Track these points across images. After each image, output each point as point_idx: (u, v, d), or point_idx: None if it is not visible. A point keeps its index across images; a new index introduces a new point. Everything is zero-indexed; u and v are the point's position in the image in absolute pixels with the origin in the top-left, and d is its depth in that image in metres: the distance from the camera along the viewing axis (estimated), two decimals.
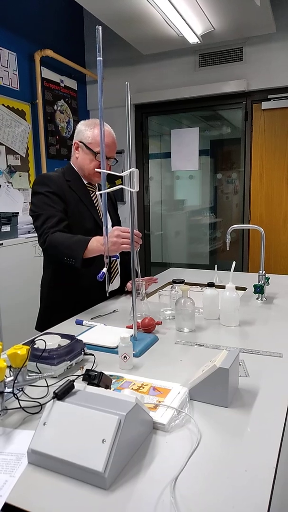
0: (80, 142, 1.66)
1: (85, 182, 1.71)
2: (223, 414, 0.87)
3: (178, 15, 2.76)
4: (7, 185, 3.18)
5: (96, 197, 1.73)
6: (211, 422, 0.84)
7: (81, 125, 1.69)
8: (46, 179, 1.62)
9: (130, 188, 1.17)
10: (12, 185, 3.22)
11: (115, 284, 1.79)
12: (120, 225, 1.86)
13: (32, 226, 3.00)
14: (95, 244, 1.43)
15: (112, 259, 1.58)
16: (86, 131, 1.65)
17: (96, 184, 1.75)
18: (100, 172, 1.63)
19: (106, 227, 1.27)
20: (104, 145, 1.20)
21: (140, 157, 4.09)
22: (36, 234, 1.63)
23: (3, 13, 3.09)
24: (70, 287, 1.65)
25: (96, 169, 1.63)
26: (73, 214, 1.62)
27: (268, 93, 3.52)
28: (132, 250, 1.27)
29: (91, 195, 1.72)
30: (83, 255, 1.43)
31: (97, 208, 1.71)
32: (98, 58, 1.08)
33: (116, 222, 1.86)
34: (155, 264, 4.38)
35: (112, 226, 1.72)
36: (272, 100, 3.51)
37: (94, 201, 1.72)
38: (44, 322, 1.60)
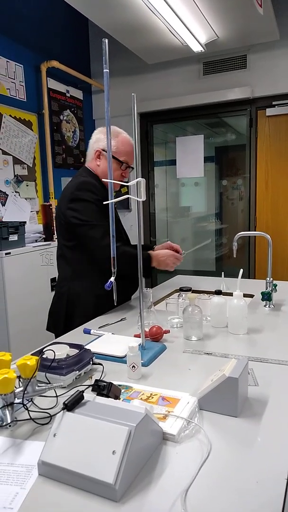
0: (104, 150, 1.67)
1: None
2: (232, 424, 0.87)
3: (182, 24, 2.79)
4: (15, 195, 3.21)
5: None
6: (221, 432, 0.83)
7: (101, 134, 1.70)
8: (91, 186, 1.63)
9: (137, 197, 1.18)
10: (19, 195, 3.25)
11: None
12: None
13: (39, 235, 3.04)
14: (154, 256, 1.71)
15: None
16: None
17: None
18: (120, 181, 1.66)
19: (114, 236, 1.27)
20: (111, 154, 1.21)
21: (145, 165, 4.12)
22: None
23: (10, 26, 3.14)
24: (101, 294, 1.56)
25: (103, 179, 1.65)
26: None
27: (273, 100, 3.53)
28: (139, 263, 1.28)
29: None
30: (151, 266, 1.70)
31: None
32: (104, 70, 1.09)
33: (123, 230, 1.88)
34: (161, 270, 4.36)
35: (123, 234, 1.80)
36: (276, 106, 3.52)
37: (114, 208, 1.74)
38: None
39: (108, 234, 1.53)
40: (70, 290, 1.69)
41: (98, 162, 1.70)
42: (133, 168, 1.70)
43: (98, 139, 1.70)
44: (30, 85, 3.36)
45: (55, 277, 2.89)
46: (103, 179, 1.67)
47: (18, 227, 2.72)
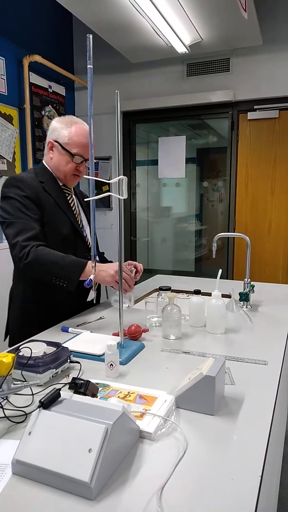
0: (55, 141, 1.54)
1: (61, 184, 1.61)
2: (209, 422, 0.87)
3: (166, 25, 2.80)
4: None
5: (72, 200, 1.64)
6: (198, 430, 0.84)
7: (57, 123, 1.55)
8: (18, 182, 1.49)
9: (119, 195, 1.17)
10: None
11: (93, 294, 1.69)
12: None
13: None
14: (90, 269, 1.39)
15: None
16: (62, 129, 1.53)
17: (72, 188, 1.66)
18: (76, 175, 1.58)
19: (95, 233, 1.27)
20: (93, 152, 1.20)
21: (127, 164, 4.11)
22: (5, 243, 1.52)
23: None
24: (48, 301, 1.55)
25: (76, 173, 1.57)
26: (49, 220, 1.52)
27: (254, 104, 3.58)
28: (119, 260, 1.28)
29: (68, 198, 1.62)
30: (79, 278, 1.40)
31: (74, 212, 1.63)
32: (88, 66, 1.08)
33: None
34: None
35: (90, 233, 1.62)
36: (258, 110, 3.58)
37: (71, 205, 1.63)
38: (22, 336, 1.42)
39: (25, 231, 1.41)
40: (13, 296, 1.63)
41: (51, 154, 1.56)
42: (87, 160, 1.56)
43: (52, 128, 1.55)
44: (12, 79, 3.30)
45: None
46: (56, 174, 1.58)
47: None
